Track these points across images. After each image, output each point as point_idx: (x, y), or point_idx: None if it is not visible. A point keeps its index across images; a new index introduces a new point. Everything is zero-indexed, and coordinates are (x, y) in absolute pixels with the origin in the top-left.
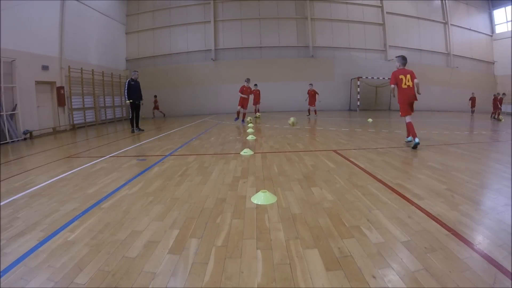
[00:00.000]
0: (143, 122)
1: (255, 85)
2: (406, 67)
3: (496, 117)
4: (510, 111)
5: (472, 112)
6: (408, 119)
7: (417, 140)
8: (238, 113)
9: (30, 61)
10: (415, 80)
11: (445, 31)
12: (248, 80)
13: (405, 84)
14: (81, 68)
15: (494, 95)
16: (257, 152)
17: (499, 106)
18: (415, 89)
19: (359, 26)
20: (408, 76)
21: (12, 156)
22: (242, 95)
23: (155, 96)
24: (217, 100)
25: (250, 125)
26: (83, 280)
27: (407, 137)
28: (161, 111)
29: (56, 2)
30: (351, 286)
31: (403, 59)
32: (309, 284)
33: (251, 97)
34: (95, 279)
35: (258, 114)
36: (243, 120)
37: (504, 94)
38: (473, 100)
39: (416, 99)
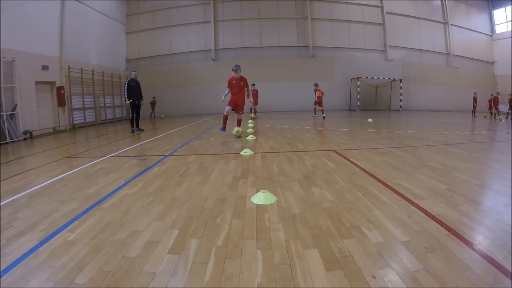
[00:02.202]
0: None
1: (253, 84)
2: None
3: (495, 117)
4: (510, 111)
5: (473, 112)
6: None
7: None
8: (224, 119)
9: (30, 61)
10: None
11: (445, 31)
12: (236, 68)
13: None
14: (81, 68)
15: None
16: (257, 152)
17: (492, 106)
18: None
19: (359, 26)
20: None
21: (12, 156)
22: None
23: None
24: (217, 100)
25: (238, 132)
26: (83, 280)
27: (323, 114)
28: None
29: (56, 2)
30: (351, 286)
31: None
32: (309, 284)
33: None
34: (95, 279)
35: (253, 115)
36: (223, 127)
37: (498, 93)
38: (475, 100)
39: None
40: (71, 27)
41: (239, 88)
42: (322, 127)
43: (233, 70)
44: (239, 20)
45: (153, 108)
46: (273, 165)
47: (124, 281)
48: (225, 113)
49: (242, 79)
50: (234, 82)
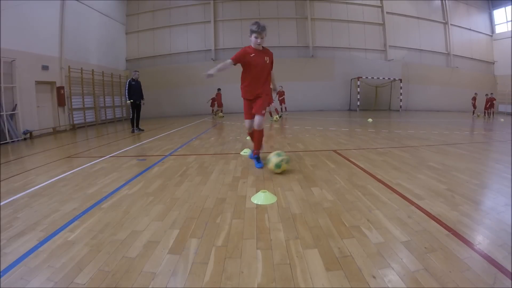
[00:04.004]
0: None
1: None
2: None
3: (489, 116)
4: (510, 111)
5: (473, 112)
6: None
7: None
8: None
9: (30, 61)
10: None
11: (445, 31)
12: (260, 29)
13: None
14: (81, 68)
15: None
16: None
17: (487, 106)
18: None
19: (359, 26)
20: None
21: (12, 156)
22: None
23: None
24: None
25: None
26: (83, 280)
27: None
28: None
29: (56, 2)
30: (351, 286)
31: None
32: (309, 284)
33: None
34: (95, 279)
35: (276, 117)
36: (257, 157)
37: (492, 93)
38: (474, 100)
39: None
40: (71, 27)
41: (261, 67)
42: (322, 127)
43: (253, 31)
44: (239, 20)
45: (220, 103)
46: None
47: (124, 281)
48: (247, 129)
49: (268, 53)
50: (252, 55)
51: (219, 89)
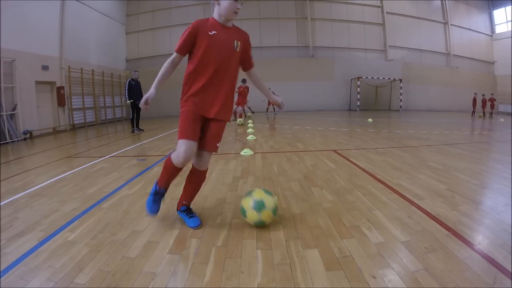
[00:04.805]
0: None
1: (244, 80)
2: None
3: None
4: (510, 111)
5: (473, 113)
6: None
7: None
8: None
9: (30, 61)
10: None
11: (445, 31)
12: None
13: None
14: (81, 68)
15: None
16: (257, 152)
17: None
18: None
19: (359, 26)
20: None
21: (12, 156)
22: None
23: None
24: None
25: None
26: (83, 280)
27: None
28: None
29: (56, 2)
30: (351, 286)
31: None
32: (309, 284)
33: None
34: (95, 279)
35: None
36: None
37: (492, 94)
38: (474, 100)
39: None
40: (71, 27)
41: (229, 55)
42: (322, 127)
43: None
44: (239, 20)
45: (243, 100)
46: (273, 165)
47: (124, 281)
48: (181, 160)
49: (240, 34)
50: (213, 33)
51: (243, 80)
